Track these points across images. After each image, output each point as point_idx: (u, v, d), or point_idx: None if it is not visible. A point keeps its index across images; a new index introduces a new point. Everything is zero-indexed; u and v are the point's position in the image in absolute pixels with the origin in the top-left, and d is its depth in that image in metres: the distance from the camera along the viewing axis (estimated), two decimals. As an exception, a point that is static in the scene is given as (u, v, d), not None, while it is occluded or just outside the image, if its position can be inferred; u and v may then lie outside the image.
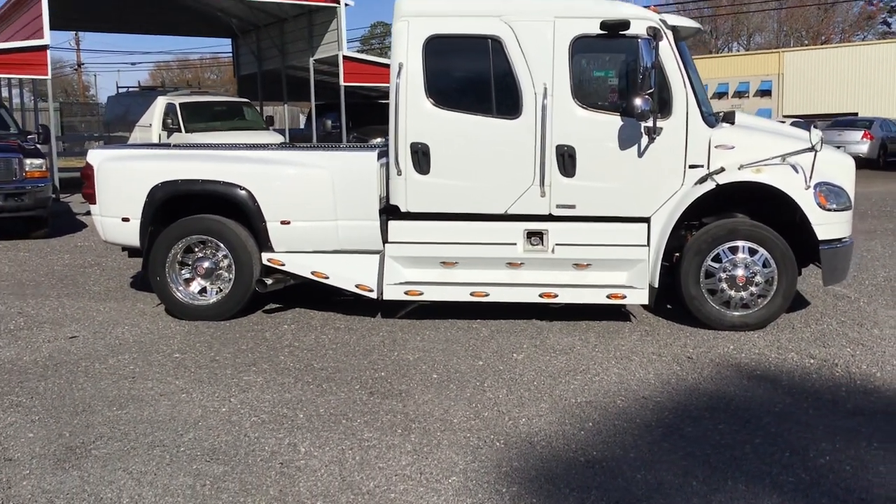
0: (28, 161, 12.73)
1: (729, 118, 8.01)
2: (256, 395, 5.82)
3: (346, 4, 20.95)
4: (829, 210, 7.41)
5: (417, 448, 4.90)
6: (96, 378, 6.23)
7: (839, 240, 7.60)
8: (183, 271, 8.00)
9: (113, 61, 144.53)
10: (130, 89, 24.18)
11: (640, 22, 7.35)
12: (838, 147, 29.60)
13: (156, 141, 19.37)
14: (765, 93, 48.26)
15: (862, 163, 28.97)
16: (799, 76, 46.33)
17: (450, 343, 7.18)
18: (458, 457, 4.80)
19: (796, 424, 5.25)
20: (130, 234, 8.03)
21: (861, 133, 29.08)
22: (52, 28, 19.11)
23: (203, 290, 8.02)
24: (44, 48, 16.86)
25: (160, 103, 20.30)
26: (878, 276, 9.80)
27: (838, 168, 7.84)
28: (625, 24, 7.30)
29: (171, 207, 7.96)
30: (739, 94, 49.53)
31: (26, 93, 28.00)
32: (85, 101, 68.25)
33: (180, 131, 19.54)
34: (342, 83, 21.21)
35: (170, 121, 19.85)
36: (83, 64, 76.05)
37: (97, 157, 8.18)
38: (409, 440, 5.02)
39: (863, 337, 7.24)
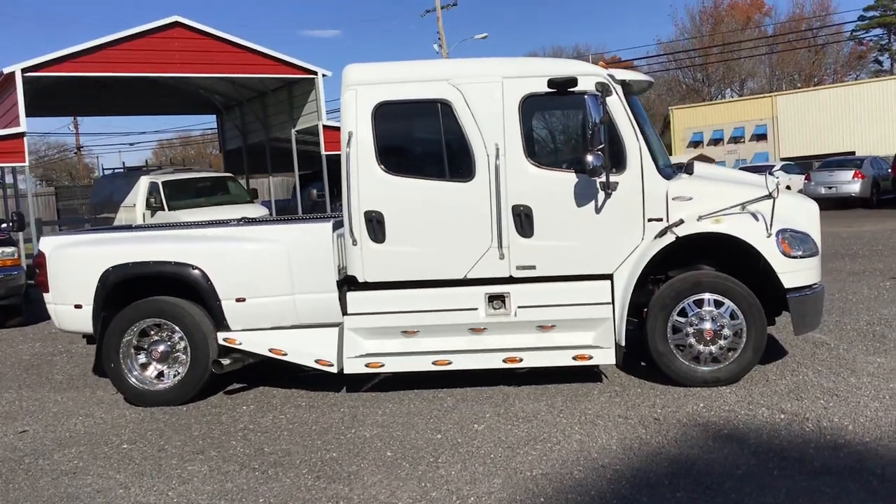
0: (-1, 250, 12.64)
1: (688, 169, 7.87)
2: (196, 487, 5.56)
3: (324, 75, 21.10)
4: (793, 257, 7.20)
5: (353, 537, 4.64)
6: (36, 476, 5.98)
7: (808, 287, 7.38)
8: (139, 356, 7.79)
9: (114, 142, 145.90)
10: (116, 171, 24.25)
11: (588, 78, 7.24)
12: (830, 188, 29.59)
13: (140, 221, 19.34)
14: (760, 137, 48.49)
15: (856, 202, 28.84)
16: (793, 118, 46.57)
17: (411, 416, 6.93)
18: (396, 544, 4.53)
19: (758, 487, 4.97)
20: (83, 322, 7.84)
21: (852, 173, 28.89)
22: (35, 115, 19.28)
23: (161, 375, 7.80)
24: (20, 136, 16.92)
25: (143, 183, 20.29)
26: (861, 321, 9.54)
27: (802, 214, 7.64)
28: (572, 82, 7.18)
29: (125, 291, 7.78)
30: (735, 140, 49.76)
31: (31, 179, 28.00)
32: (88, 183, 68.63)
33: (163, 209, 19.50)
34: (323, 152, 21.25)
35: (153, 199, 19.81)
36: (83, 147, 76.84)
37: (48, 244, 8.04)
38: (347, 528, 4.76)
39: (838, 387, 6.97)
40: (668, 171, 7.62)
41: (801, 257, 7.26)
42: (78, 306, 7.81)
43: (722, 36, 65.55)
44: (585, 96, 7.13)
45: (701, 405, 6.70)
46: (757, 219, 7.22)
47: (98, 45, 17.97)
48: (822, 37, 64.05)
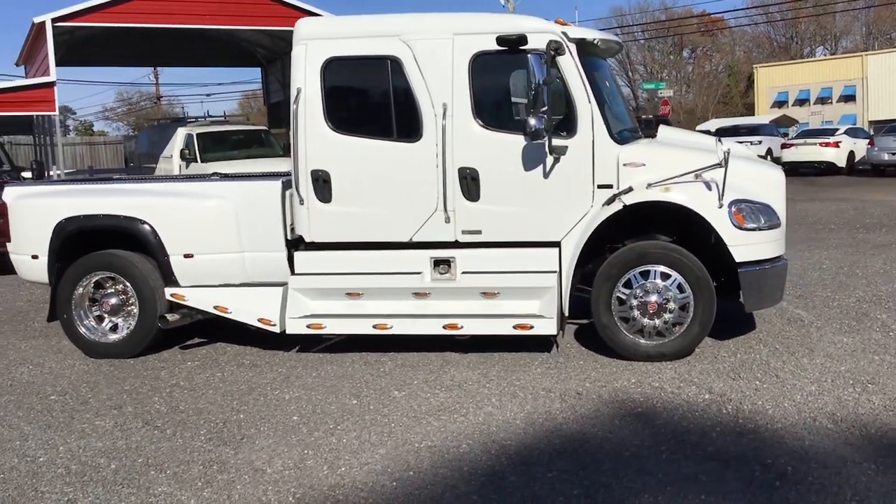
0: (9, 198, 12.89)
1: (650, 132, 7.52)
2: (89, 443, 5.58)
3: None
4: (747, 230, 6.82)
5: (200, 504, 4.59)
6: (-48, 423, 6.11)
7: (767, 261, 7.00)
8: (94, 308, 7.88)
9: (196, 93, 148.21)
10: (161, 121, 24.59)
11: (540, 36, 6.94)
12: (894, 154, 28.10)
13: (175, 172, 19.57)
14: (849, 98, 46.59)
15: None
16: (885, 79, 44.42)
17: (341, 379, 6.85)
18: (241, 513, 4.47)
19: (635, 472, 4.75)
20: (40, 272, 7.96)
21: (918, 139, 27.48)
22: (79, 64, 19.57)
23: (115, 327, 7.88)
24: (50, 85, 17.26)
25: (180, 134, 20.47)
26: (852, 297, 9.04)
27: (764, 183, 7.22)
28: (522, 39, 6.88)
29: (81, 243, 7.85)
30: (822, 101, 47.90)
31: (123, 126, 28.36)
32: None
33: (196, 161, 19.69)
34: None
35: (187, 151, 19.99)
36: (162, 97, 78.15)
37: (11, 194, 8.15)
38: (201, 496, 4.70)
39: (785, 367, 6.61)
40: (625, 135, 7.29)
41: (756, 230, 6.87)
42: (35, 256, 7.93)
43: (816, -11, 62.63)
44: (534, 55, 6.82)
45: (633, 381, 6.45)
46: (709, 188, 6.85)
47: (126, -3, 18.15)
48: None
